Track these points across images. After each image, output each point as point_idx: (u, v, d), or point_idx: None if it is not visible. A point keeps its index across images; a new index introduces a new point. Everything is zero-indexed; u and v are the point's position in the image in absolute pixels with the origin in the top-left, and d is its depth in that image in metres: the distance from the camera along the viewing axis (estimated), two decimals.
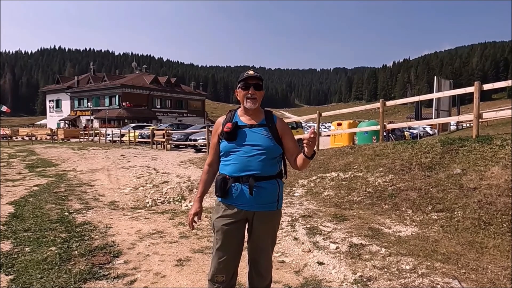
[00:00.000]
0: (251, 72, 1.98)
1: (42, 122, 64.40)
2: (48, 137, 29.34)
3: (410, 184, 5.01)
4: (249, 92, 1.94)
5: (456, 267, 2.91)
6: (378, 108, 8.50)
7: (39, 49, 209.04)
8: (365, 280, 2.82)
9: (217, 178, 1.96)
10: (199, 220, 2.05)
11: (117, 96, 44.64)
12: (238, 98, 2.02)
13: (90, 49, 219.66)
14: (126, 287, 2.82)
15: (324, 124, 41.61)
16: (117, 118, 42.34)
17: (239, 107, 2.06)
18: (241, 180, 1.90)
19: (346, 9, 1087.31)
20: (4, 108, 22.84)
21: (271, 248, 2.05)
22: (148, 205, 6.25)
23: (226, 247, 1.95)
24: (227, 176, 1.93)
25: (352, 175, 6.01)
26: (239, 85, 1.99)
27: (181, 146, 18.00)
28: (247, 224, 2.00)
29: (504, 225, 3.63)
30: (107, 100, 45.72)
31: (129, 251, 3.60)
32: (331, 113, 11.32)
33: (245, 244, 2.07)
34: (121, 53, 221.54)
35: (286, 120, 18.90)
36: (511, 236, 3.45)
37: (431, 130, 25.00)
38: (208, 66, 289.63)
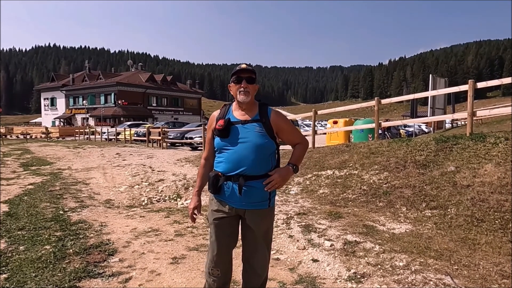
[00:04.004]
0: (243, 65, 1.96)
1: (37, 120, 63.97)
2: (43, 136, 29.12)
3: (405, 182, 5.05)
4: (242, 85, 1.92)
5: (449, 264, 2.94)
6: (374, 106, 8.54)
7: (34, 46, 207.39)
8: (359, 276, 2.84)
9: (210, 174, 1.96)
10: (199, 214, 2.05)
11: (112, 94, 44.40)
12: (232, 93, 1.99)
13: (85, 46, 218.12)
14: (121, 285, 2.82)
15: (320, 122, 41.69)
16: (112, 116, 42.13)
17: (234, 101, 2.03)
18: (232, 179, 1.90)
19: (343, 7, 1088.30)
20: None
21: (266, 246, 2.04)
22: (143, 204, 6.25)
23: (219, 241, 1.98)
24: (219, 174, 1.93)
25: (347, 173, 6.04)
26: (231, 79, 1.97)
27: (177, 144, 17.97)
28: (241, 220, 2.01)
29: (497, 222, 3.67)
30: (102, 98, 45.45)
31: (124, 249, 3.60)
32: (327, 111, 11.34)
33: (240, 242, 2.08)
34: (117, 51, 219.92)
35: None
36: (503, 232, 3.49)
37: (426, 128, 25.13)
38: (204, 64, 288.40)
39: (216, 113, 2.06)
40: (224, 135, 1.91)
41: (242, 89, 1.92)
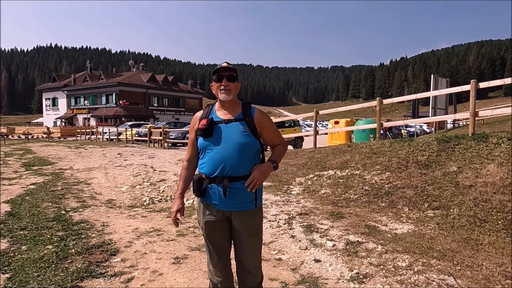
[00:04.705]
0: (224, 64, 1.94)
1: (39, 120, 64.08)
2: (45, 136, 29.18)
3: (407, 182, 5.04)
4: (222, 84, 1.90)
5: (452, 264, 2.94)
6: (375, 106, 8.52)
7: (35, 46, 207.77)
8: (361, 277, 2.84)
9: (194, 178, 1.93)
10: (182, 217, 2.02)
11: (114, 94, 44.46)
12: (213, 92, 1.97)
13: (86, 47, 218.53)
14: (123, 285, 2.82)
15: (321, 122, 41.65)
16: (114, 116, 42.17)
17: (216, 101, 2.01)
18: (216, 180, 1.86)
19: (344, 7, 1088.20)
20: None
21: (257, 246, 2.01)
22: (145, 203, 6.25)
23: (213, 245, 1.97)
24: (203, 176, 1.90)
25: (349, 173, 6.03)
26: (212, 77, 1.95)
27: (178, 144, 17.99)
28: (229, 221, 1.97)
29: (499, 222, 3.66)
30: (104, 98, 45.52)
31: (126, 249, 3.61)
32: (329, 111, 11.32)
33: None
34: (118, 51, 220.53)
35: (284, 119, 18.88)
36: (506, 233, 3.48)
37: (428, 128, 25.09)
38: (205, 64, 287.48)
39: (199, 114, 2.03)
40: (207, 134, 1.89)
41: (223, 87, 1.90)
